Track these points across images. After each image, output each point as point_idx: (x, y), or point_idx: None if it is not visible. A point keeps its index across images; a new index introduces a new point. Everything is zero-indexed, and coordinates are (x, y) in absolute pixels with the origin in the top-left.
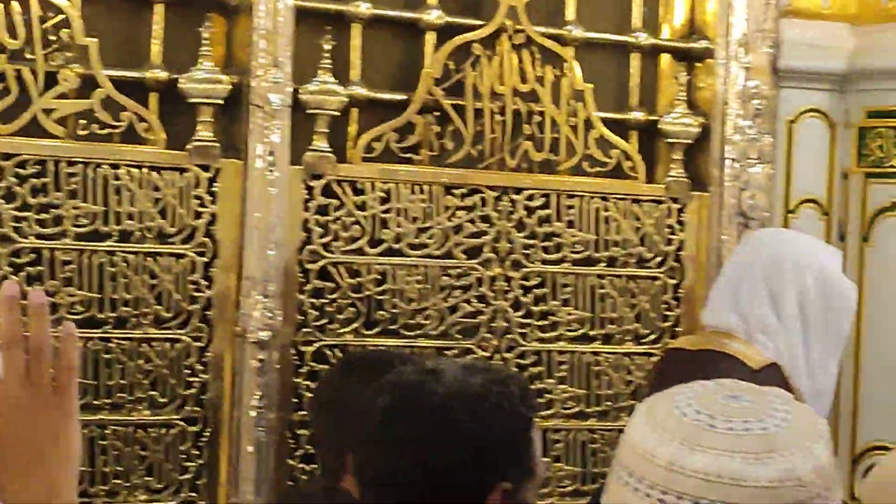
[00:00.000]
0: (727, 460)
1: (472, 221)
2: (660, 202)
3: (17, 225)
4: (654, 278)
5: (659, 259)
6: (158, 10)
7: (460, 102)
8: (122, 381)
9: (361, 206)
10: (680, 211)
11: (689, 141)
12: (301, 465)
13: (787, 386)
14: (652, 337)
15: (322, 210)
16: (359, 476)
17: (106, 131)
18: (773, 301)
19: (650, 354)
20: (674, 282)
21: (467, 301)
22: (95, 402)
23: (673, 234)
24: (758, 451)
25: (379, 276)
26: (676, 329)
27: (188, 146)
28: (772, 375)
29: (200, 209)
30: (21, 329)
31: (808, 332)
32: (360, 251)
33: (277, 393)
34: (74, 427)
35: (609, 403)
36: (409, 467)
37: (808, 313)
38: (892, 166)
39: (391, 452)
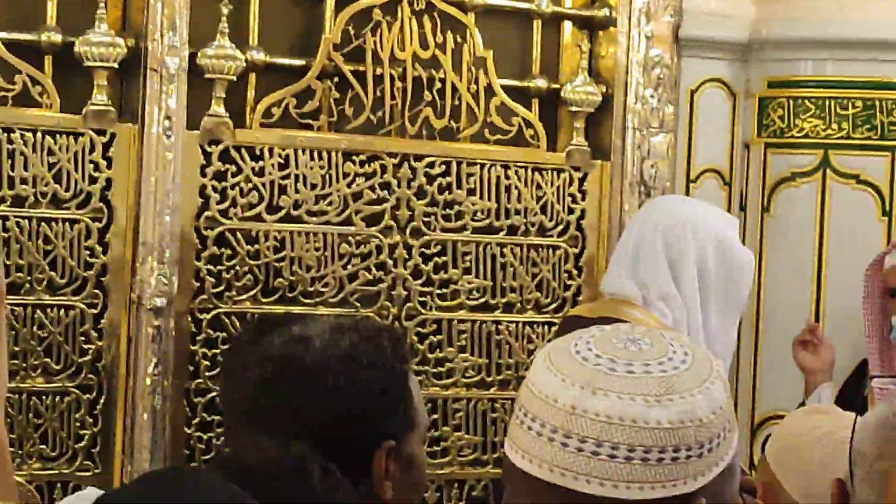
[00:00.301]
0: (629, 403)
1: (371, 189)
2: (561, 171)
3: None
4: (556, 247)
5: (560, 228)
6: None
7: (360, 68)
8: (15, 348)
9: (260, 173)
10: (581, 180)
11: (591, 110)
12: (198, 434)
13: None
14: (553, 306)
15: (220, 176)
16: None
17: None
18: (672, 268)
19: (551, 323)
20: (575, 251)
21: (367, 269)
22: None
23: (574, 202)
24: (658, 394)
25: (277, 243)
26: (578, 298)
27: (83, 110)
28: None
29: (95, 174)
30: None
31: (707, 299)
32: (258, 218)
33: (173, 360)
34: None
35: (510, 372)
36: (284, 441)
37: (707, 281)
38: (792, 136)
39: (266, 425)
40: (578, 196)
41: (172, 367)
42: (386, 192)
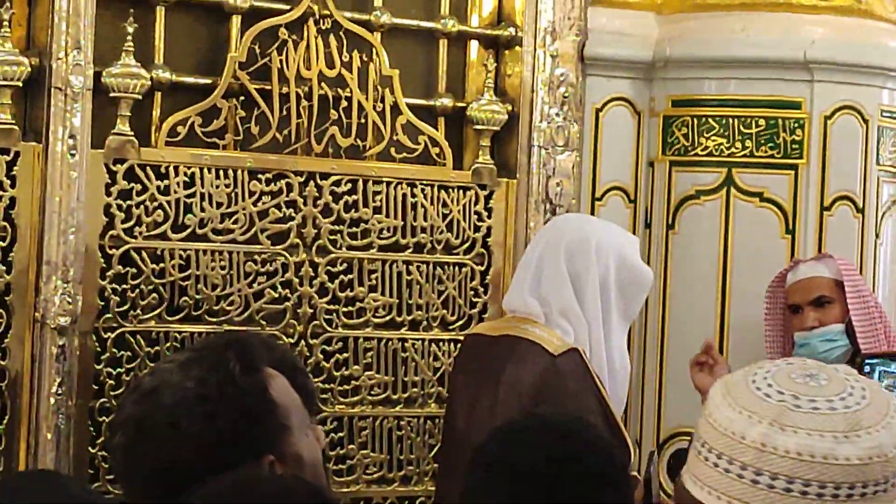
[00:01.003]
0: (818, 439)
1: (278, 207)
2: (467, 189)
3: None
4: (462, 265)
5: (466, 245)
6: None
7: (266, 87)
8: None
9: (165, 191)
10: (487, 197)
11: (497, 128)
12: (102, 453)
13: (588, 370)
14: (459, 323)
15: (125, 194)
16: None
17: None
18: (574, 285)
19: (457, 341)
20: (481, 268)
21: (273, 287)
22: None
23: (480, 220)
24: (846, 430)
25: (182, 262)
26: (484, 315)
27: None
28: (572, 360)
29: None
30: None
31: (609, 315)
32: (163, 236)
33: (78, 380)
34: None
35: (416, 390)
36: (160, 492)
37: (609, 297)
38: (696, 154)
39: (135, 482)
40: (484, 214)
41: (76, 386)
42: (292, 210)
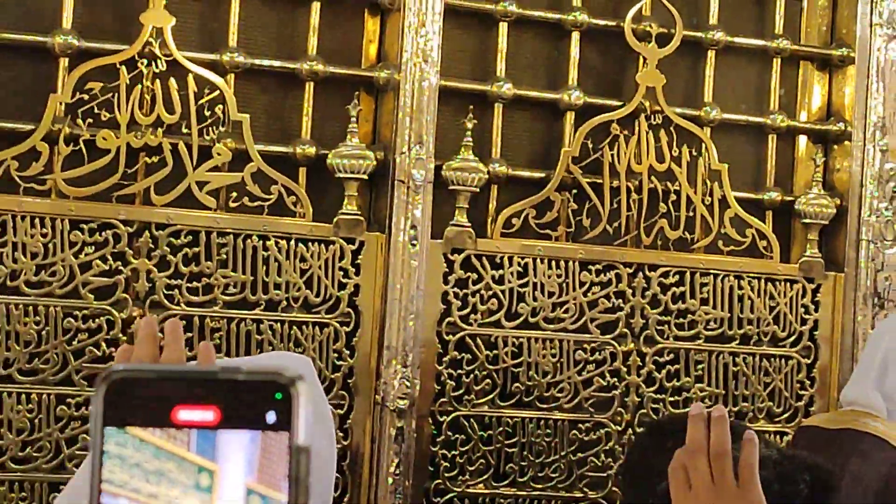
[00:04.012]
0: None
1: (607, 297)
2: (794, 282)
3: (168, 293)
4: (788, 357)
5: (793, 338)
6: (308, 89)
7: (597, 181)
8: None
9: (499, 280)
10: (815, 291)
11: (825, 222)
12: None
13: None
14: (785, 415)
15: (461, 283)
16: None
17: (256, 204)
18: None
19: (783, 433)
20: (807, 361)
21: (601, 375)
22: None
23: (807, 313)
24: None
25: (515, 349)
26: (810, 408)
27: (335, 219)
28: None
29: (345, 280)
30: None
31: None
32: (497, 324)
33: (414, 461)
34: None
35: None
36: None
37: None
38: None
39: None
40: (811, 307)
41: (413, 467)
42: (621, 300)
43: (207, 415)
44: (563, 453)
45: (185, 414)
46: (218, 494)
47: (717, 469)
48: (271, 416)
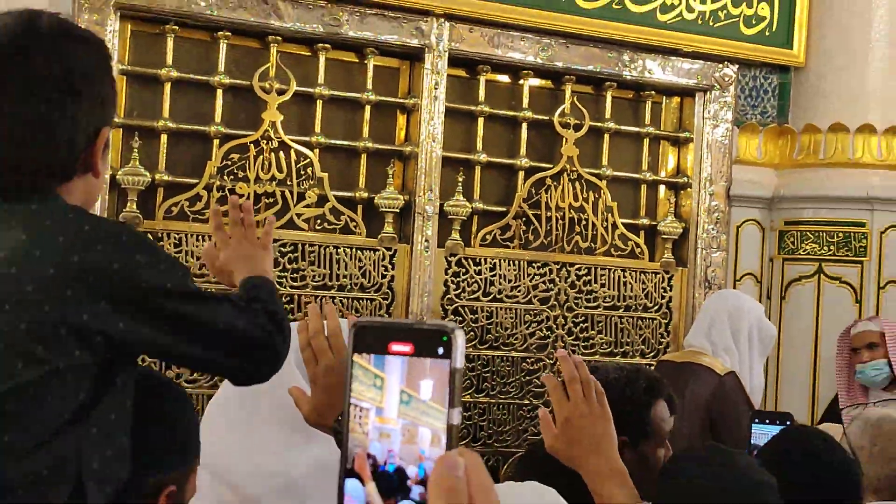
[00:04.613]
0: None
1: (544, 283)
2: (657, 273)
3: (279, 281)
4: (653, 319)
5: (656, 307)
6: (363, 158)
7: (538, 212)
8: None
9: (478, 273)
10: (670, 279)
11: (675, 237)
12: None
13: (741, 386)
14: (651, 354)
15: (455, 275)
16: None
17: (332, 227)
18: (733, 334)
19: (651, 365)
20: (665, 321)
21: (540, 330)
22: None
23: (665, 292)
24: None
25: (488, 314)
26: (667, 350)
27: (379, 236)
28: (732, 379)
29: (385, 273)
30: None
31: (752, 353)
32: (477, 299)
33: None
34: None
35: None
36: None
37: (752, 343)
38: (799, 254)
39: None
40: (668, 288)
41: None
42: (552, 284)
43: (406, 348)
44: (517, 377)
45: (395, 347)
46: (385, 395)
47: (573, 389)
48: (440, 350)
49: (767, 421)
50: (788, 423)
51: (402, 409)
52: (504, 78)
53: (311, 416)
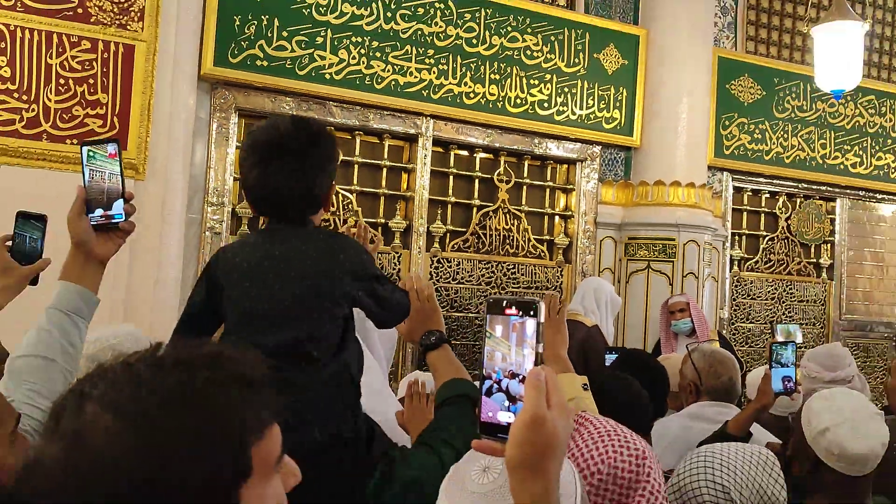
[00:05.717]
0: None
1: (491, 274)
2: (554, 268)
3: None
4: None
5: (554, 288)
6: (382, 199)
7: (486, 232)
8: None
9: (449, 268)
10: (561, 272)
11: (564, 246)
12: None
13: (601, 333)
14: None
15: (436, 269)
16: None
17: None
18: (596, 302)
19: None
20: (560, 297)
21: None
22: None
23: (558, 279)
24: None
25: (455, 294)
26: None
27: (391, 246)
28: (595, 329)
29: (395, 268)
30: None
31: (607, 315)
32: (447, 284)
33: None
34: None
35: None
36: None
37: (607, 308)
38: (637, 257)
39: None
40: (561, 278)
41: None
42: (493, 275)
43: (514, 311)
44: (470, 329)
45: (508, 311)
46: (504, 338)
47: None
48: (532, 312)
49: (614, 352)
50: (623, 350)
51: (513, 347)
52: (464, 152)
53: (405, 336)
